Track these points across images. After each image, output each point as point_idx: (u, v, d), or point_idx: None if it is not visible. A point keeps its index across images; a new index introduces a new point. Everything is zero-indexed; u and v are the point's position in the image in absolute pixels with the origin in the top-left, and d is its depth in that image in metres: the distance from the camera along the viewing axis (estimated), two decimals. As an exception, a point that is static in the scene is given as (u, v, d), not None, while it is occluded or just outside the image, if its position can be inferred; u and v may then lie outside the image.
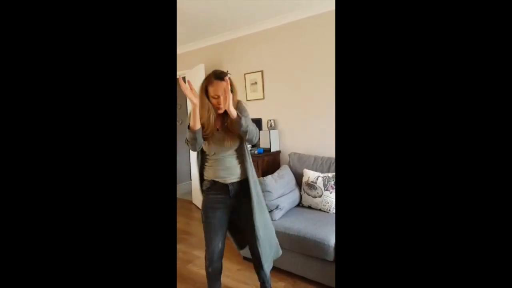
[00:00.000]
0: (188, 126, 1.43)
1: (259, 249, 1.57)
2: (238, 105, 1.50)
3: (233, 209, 1.62)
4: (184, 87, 1.34)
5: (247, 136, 1.47)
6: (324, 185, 2.40)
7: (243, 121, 1.40)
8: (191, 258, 2.59)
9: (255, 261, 1.66)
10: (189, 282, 2.22)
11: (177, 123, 4.83)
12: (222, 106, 1.43)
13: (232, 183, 1.57)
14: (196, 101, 1.38)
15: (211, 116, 1.47)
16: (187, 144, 1.49)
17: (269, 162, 3.16)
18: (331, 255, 1.88)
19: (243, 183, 1.59)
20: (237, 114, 1.39)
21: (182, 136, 1.58)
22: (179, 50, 4.21)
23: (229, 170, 1.57)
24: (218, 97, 1.44)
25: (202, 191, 1.64)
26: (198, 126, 1.41)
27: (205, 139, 1.51)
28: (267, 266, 1.64)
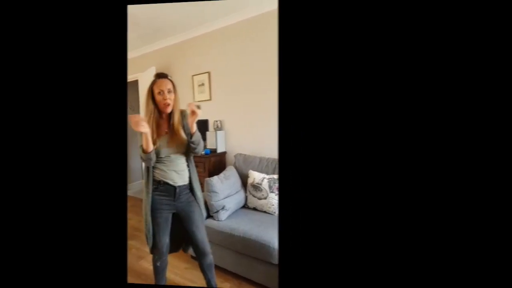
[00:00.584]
0: (142, 148, 1.45)
1: (203, 245, 1.71)
2: (183, 114, 1.65)
3: (176, 211, 1.67)
4: (133, 123, 1.37)
5: (196, 150, 1.64)
6: (270, 187, 2.44)
7: (196, 138, 1.59)
8: (143, 254, 2.53)
9: (201, 257, 1.73)
10: (142, 278, 2.20)
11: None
12: (169, 102, 1.53)
13: (180, 186, 1.63)
14: (147, 129, 1.41)
15: (154, 120, 1.52)
16: (142, 160, 1.50)
17: (215, 163, 3.14)
18: (275, 258, 1.91)
19: (188, 187, 1.68)
20: (195, 131, 1.57)
21: (133, 136, 1.53)
22: (133, 54, 3.97)
23: (179, 173, 1.64)
24: (163, 92, 1.56)
25: (147, 191, 1.59)
26: (151, 148, 1.45)
27: (154, 142, 1.54)
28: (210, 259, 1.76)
